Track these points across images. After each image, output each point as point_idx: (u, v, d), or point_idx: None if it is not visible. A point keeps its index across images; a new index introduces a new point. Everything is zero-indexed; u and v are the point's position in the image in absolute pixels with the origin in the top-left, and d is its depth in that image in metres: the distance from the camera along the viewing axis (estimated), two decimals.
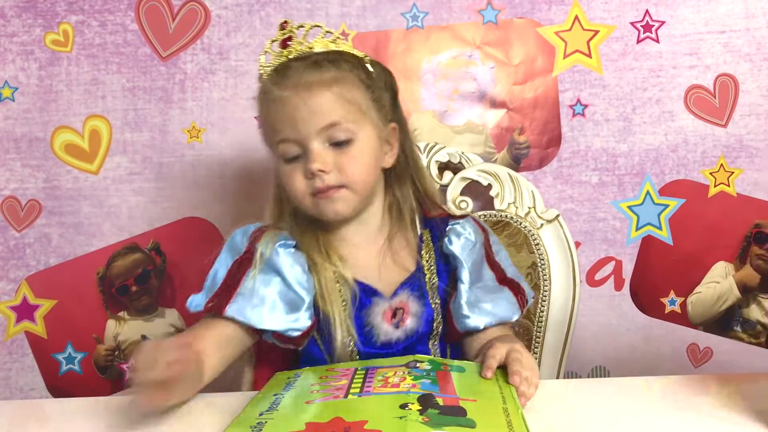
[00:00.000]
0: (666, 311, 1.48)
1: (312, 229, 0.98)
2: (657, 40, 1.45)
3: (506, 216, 1.31)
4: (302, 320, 0.91)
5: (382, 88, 0.97)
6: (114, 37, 1.46)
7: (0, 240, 1.47)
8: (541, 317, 1.27)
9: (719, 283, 1.45)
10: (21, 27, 1.46)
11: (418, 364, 0.79)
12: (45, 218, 1.47)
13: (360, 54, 0.97)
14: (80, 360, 1.49)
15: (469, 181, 1.31)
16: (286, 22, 0.95)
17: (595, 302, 1.47)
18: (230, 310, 0.90)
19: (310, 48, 0.94)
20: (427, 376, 0.75)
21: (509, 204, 1.31)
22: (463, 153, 1.35)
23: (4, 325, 1.48)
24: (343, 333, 0.91)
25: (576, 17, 1.45)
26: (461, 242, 0.99)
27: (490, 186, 1.32)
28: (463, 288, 0.96)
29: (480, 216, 1.30)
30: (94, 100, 1.46)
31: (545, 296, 1.28)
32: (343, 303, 0.93)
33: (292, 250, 0.95)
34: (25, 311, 1.48)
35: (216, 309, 0.91)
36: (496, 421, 0.63)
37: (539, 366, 1.28)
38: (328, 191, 0.91)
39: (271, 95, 0.92)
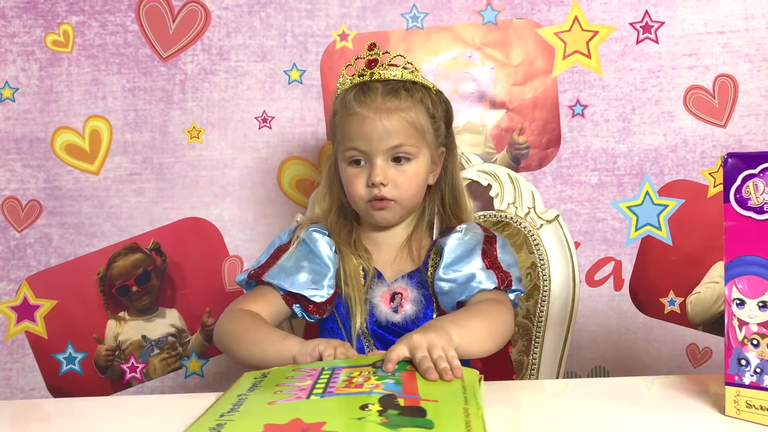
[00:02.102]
0: (665, 311, 1.48)
1: (349, 222, 1.13)
2: (656, 41, 1.45)
3: (506, 216, 1.31)
4: (325, 288, 1.05)
5: (441, 117, 1.10)
6: (114, 38, 1.46)
7: (1, 240, 1.47)
8: (541, 317, 1.28)
9: (719, 283, 1.45)
10: (21, 28, 1.46)
11: None
12: (45, 218, 1.47)
13: (429, 84, 1.10)
14: (80, 360, 1.49)
15: (468, 181, 1.31)
16: (374, 44, 1.07)
17: (595, 302, 1.47)
18: (267, 276, 1.06)
19: (392, 75, 1.06)
20: (391, 376, 0.76)
21: (509, 204, 1.32)
22: (462, 153, 1.36)
23: (4, 326, 1.48)
24: (361, 314, 1.06)
25: (575, 18, 1.45)
26: (454, 236, 1.08)
27: (489, 186, 1.32)
28: (442, 264, 1.05)
29: (480, 216, 1.31)
30: (94, 101, 1.47)
31: (545, 296, 1.28)
32: (363, 287, 1.07)
33: (325, 235, 1.10)
34: (25, 311, 1.48)
35: (255, 276, 1.07)
36: (454, 422, 0.63)
37: (538, 366, 1.28)
38: (382, 202, 1.05)
39: (352, 109, 1.05)
